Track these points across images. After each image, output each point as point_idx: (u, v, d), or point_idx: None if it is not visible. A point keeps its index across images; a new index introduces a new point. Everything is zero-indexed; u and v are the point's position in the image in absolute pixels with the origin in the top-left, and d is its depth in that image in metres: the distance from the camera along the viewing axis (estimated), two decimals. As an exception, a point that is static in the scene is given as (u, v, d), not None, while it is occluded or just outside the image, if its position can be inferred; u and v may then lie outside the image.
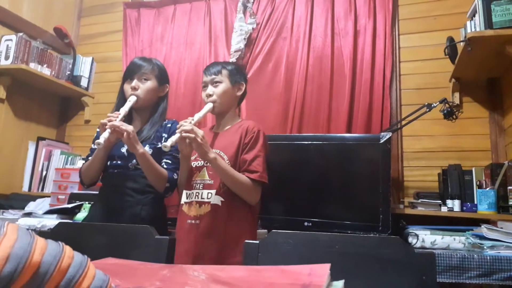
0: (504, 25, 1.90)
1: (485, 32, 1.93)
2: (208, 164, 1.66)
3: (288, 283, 0.68)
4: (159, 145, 1.79)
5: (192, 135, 1.52)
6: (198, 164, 1.73)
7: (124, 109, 1.72)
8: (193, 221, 1.64)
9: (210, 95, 1.75)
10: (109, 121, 1.62)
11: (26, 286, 0.46)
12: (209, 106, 1.73)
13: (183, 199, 1.73)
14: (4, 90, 2.87)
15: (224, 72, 1.78)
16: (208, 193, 1.66)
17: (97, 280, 0.53)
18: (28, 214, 2.37)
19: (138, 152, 1.65)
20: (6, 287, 0.44)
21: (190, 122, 1.58)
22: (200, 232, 1.62)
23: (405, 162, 2.54)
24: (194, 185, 1.70)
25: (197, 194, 1.68)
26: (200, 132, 1.55)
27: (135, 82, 1.81)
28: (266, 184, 1.69)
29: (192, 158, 1.75)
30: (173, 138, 1.53)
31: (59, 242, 0.53)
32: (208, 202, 1.64)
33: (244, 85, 1.85)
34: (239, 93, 1.83)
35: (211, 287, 0.68)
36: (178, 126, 1.58)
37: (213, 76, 1.76)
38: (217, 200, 1.64)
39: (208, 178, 1.68)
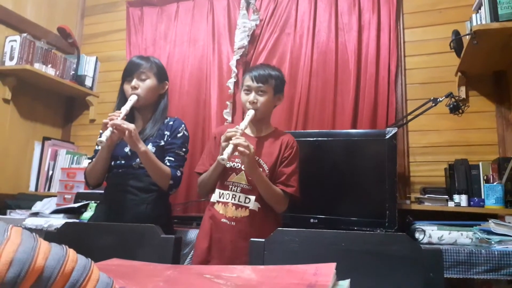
0: (510, 18, 1.87)
1: (491, 25, 1.90)
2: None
3: (294, 283, 0.68)
4: (162, 143, 1.81)
5: (247, 152, 1.56)
6: (234, 165, 1.74)
7: (125, 108, 1.72)
8: (228, 222, 1.68)
9: (254, 103, 1.75)
10: (111, 120, 1.63)
11: (29, 291, 0.46)
12: (252, 113, 1.74)
13: (216, 197, 1.75)
14: (10, 91, 2.88)
15: (271, 82, 1.79)
16: (246, 197, 1.70)
17: (101, 283, 0.53)
18: (35, 214, 2.38)
19: (140, 150, 1.66)
20: (9, 293, 0.44)
21: (240, 134, 1.60)
22: (236, 235, 1.66)
23: (411, 158, 2.52)
24: (230, 186, 1.73)
25: (234, 196, 1.71)
26: (252, 146, 1.59)
27: (134, 81, 1.82)
28: (298, 199, 1.76)
29: None
30: (228, 150, 1.53)
31: (63, 245, 0.53)
32: (246, 207, 1.69)
33: (283, 97, 1.89)
34: (278, 104, 1.88)
35: (214, 287, 0.68)
36: (228, 135, 1.58)
37: (260, 85, 1.76)
38: (255, 206, 1.69)
39: (246, 183, 1.71)
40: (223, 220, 1.69)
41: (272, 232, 1.68)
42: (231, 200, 1.70)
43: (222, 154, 1.53)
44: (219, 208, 1.72)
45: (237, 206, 1.69)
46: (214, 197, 1.76)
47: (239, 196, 1.70)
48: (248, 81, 1.78)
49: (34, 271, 0.46)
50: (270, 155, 1.75)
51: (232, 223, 1.67)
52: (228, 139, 1.58)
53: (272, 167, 1.73)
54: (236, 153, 1.62)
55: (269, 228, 1.68)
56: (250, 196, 1.69)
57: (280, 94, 1.86)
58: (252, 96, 1.76)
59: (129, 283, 0.68)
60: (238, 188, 1.71)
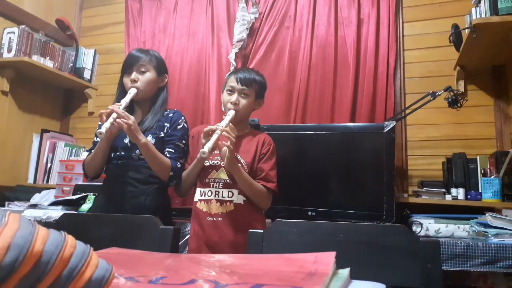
0: (510, 11, 1.87)
1: (491, 19, 1.90)
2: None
3: (294, 271, 0.68)
4: (162, 135, 1.81)
5: (233, 140, 1.57)
6: (212, 163, 1.74)
7: (125, 101, 1.72)
8: (214, 218, 1.68)
9: (236, 104, 1.75)
10: (111, 111, 1.62)
11: (27, 276, 0.46)
12: (232, 113, 1.73)
13: (197, 196, 1.75)
14: (8, 83, 2.87)
15: (254, 86, 1.79)
16: (229, 192, 1.69)
17: (100, 269, 0.52)
18: (34, 206, 2.38)
19: (140, 142, 1.66)
20: (7, 277, 0.44)
21: (222, 131, 1.58)
22: (225, 230, 1.66)
23: (409, 151, 2.53)
24: (211, 183, 1.72)
25: (216, 192, 1.70)
26: (232, 138, 1.59)
27: (134, 75, 1.81)
28: (277, 195, 1.77)
29: None
30: (209, 145, 1.52)
31: (61, 231, 0.52)
32: (231, 201, 1.69)
33: (263, 102, 1.89)
34: (257, 108, 1.88)
35: (215, 275, 0.68)
36: (208, 131, 1.57)
37: (244, 87, 1.76)
38: (240, 199, 1.69)
39: (227, 178, 1.71)
40: (208, 218, 1.68)
41: (261, 223, 1.71)
42: (214, 196, 1.69)
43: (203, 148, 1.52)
44: (202, 206, 1.71)
45: (222, 202, 1.68)
46: (196, 197, 1.75)
47: (222, 191, 1.69)
48: (232, 82, 1.78)
49: (32, 256, 0.46)
50: (248, 152, 1.75)
51: (219, 219, 1.67)
52: (209, 134, 1.57)
53: (250, 164, 1.73)
54: (216, 151, 1.63)
55: (258, 219, 1.71)
56: (233, 190, 1.69)
57: (261, 99, 1.86)
58: (234, 97, 1.75)
59: (128, 271, 0.68)
60: (220, 183, 1.71)
